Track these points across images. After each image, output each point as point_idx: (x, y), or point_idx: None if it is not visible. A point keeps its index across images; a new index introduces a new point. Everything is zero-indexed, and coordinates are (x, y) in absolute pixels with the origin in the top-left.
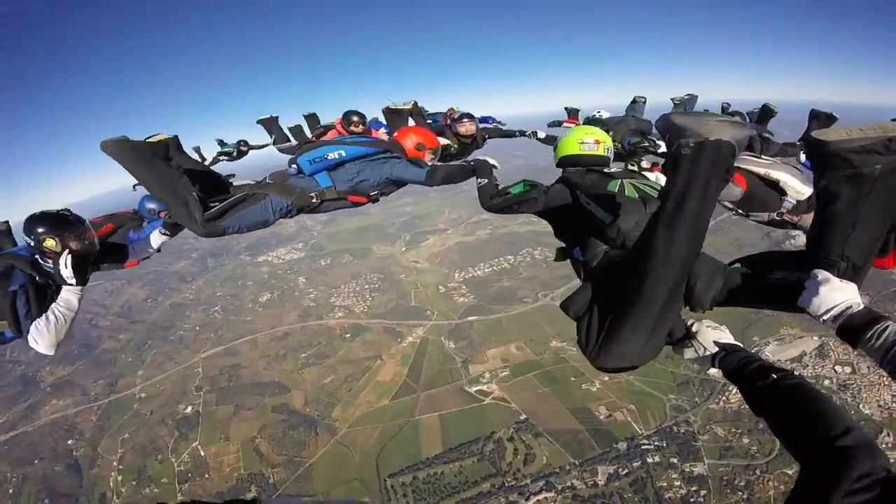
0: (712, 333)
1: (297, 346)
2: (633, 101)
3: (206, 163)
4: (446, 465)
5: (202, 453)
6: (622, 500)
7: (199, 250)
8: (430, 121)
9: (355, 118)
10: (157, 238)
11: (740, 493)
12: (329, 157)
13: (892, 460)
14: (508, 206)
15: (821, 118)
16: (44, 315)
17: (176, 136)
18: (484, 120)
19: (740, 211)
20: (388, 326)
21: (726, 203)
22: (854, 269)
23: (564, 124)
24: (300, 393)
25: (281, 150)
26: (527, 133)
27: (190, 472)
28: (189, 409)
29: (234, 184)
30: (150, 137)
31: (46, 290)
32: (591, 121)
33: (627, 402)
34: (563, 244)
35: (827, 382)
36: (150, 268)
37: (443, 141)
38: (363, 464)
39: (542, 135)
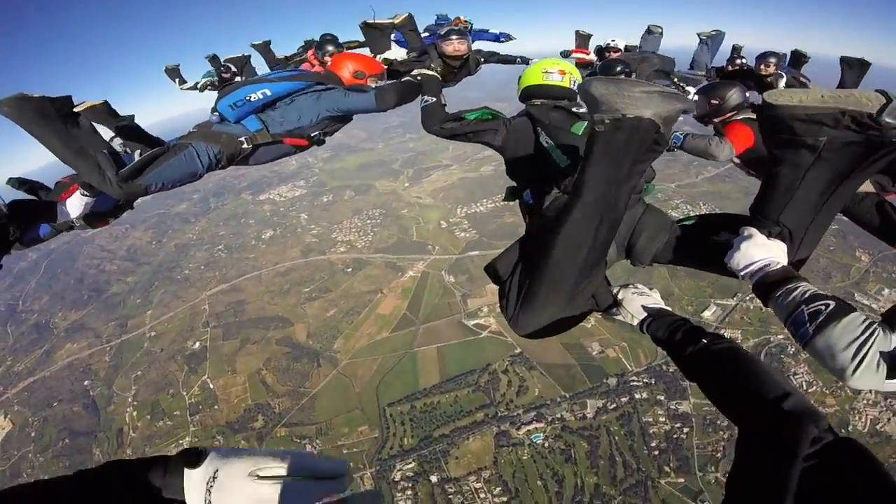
0: (639, 299)
1: (299, 281)
2: (648, 31)
3: (187, 86)
4: (442, 394)
5: (211, 386)
6: (608, 432)
7: (202, 192)
8: (426, 34)
9: (330, 48)
10: (76, 202)
11: (721, 432)
12: (252, 99)
13: (870, 417)
14: (463, 133)
15: (853, 65)
16: None
17: (105, 101)
18: (479, 35)
19: (751, 172)
20: (389, 261)
21: (734, 161)
22: (787, 237)
23: (573, 54)
24: (303, 326)
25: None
26: (529, 61)
27: (200, 404)
28: (197, 344)
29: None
30: (76, 105)
31: None
32: (606, 49)
33: (620, 340)
34: (514, 183)
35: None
36: (152, 211)
37: (398, 54)
38: (363, 393)
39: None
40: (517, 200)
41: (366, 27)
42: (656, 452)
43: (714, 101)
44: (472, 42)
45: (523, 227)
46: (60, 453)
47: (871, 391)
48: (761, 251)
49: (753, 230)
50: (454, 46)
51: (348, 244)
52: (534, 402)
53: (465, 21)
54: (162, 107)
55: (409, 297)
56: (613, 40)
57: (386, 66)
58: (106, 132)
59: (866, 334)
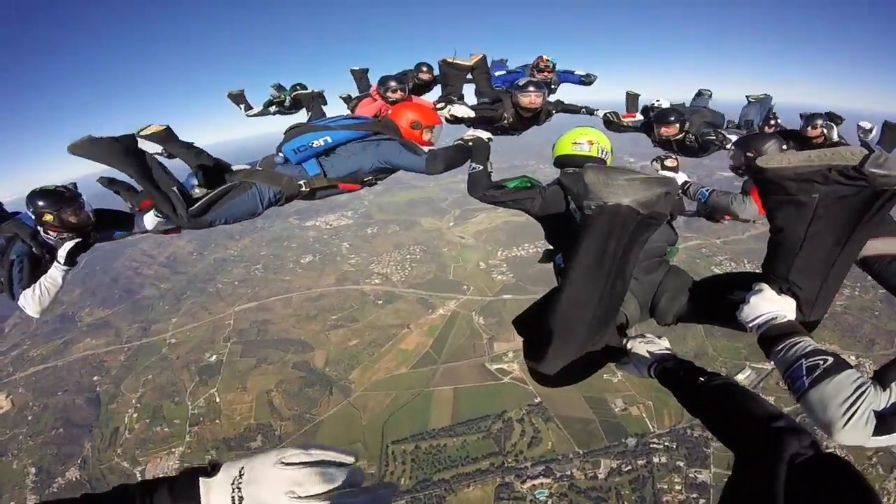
0: (645, 347)
1: (328, 308)
2: (699, 94)
3: (252, 112)
4: (451, 438)
5: (217, 400)
6: (619, 496)
7: None
8: (499, 73)
9: (393, 84)
10: (150, 219)
11: None
12: (314, 145)
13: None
14: (502, 201)
15: (891, 130)
16: (31, 286)
17: (167, 127)
18: (565, 77)
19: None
20: (421, 297)
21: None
22: (796, 294)
23: (624, 120)
24: (323, 352)
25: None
26: (594, 111)
27: (202, 416)
28: (214, 357)
29: (233, 169)
30: (141, 130)
31: (41, 261)
32: (651, 109)
33: (646, 398)
34: (551, 247)
35: None
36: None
37: (464, 112)
38: (369, 427)
39: (601, 113)
40: (551, 262)
41: (444, 65)
42: None
43: (749, 154)
44: (560, 82)
45: None
46: (51, 441)
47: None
48: (769, 305)
49: (764, 286)
50: (530, 99)
51: (384, 276)
52: (545, 455)
53: (548, 60)
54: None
55: (436, 335)
56: (658, 101)
57: (450, 120)
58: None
59: (858, 391)
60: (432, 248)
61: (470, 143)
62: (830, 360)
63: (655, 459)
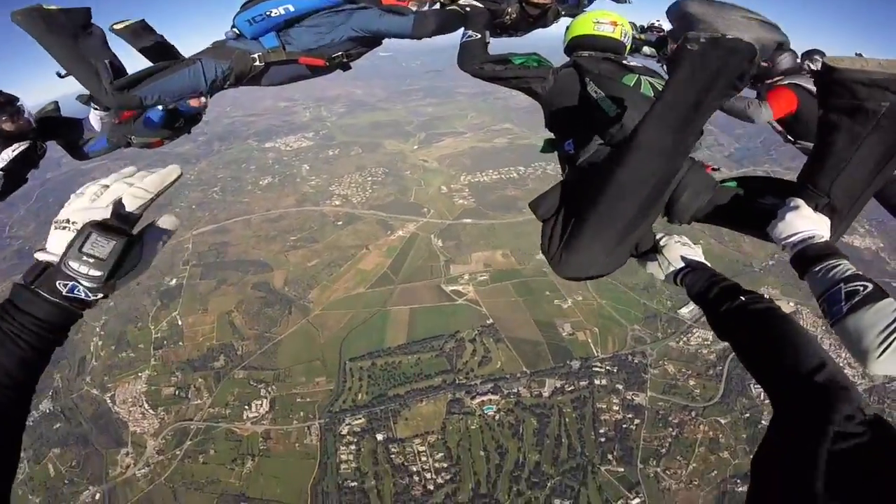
0: (681, 249)
1: (288, 229)
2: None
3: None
4: (405, 356)
5: (180, 323)
6: (560, 413)
7: (207, 134)
8: None
9: None
10: (94, 116)
11: (671, 429)
12: (273, 15)
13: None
14: (506, 77)
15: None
16: None
17: (142, 20)
18: None
19: (788, 135)
20: (381, 218)
21: (772, 125)
22: (832, 209)
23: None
24: (282, 273)
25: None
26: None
27: (166, 339)
28: (174, 281)
29: None
30: (115, 24)
31: None
32: (650, 28)
33: (592, 324)
34: (552, 135)
35: None
36: (154, 150)
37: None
38: (327, 345)
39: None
40: (555, 151)
41: None
42: (602, 440)
43: (764, 63)
44: None
45: (523, 201)
46: None
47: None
48: (806, 223)
49: (800, 201)
50: None
51: (344, 198)
52: (494, 374)
53: None
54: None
55: (394, 256)
56: (658, 20)
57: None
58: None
59: None
60: (395, 170)
61: (467, 9)
62: (871, 286)
63: (597, 381)
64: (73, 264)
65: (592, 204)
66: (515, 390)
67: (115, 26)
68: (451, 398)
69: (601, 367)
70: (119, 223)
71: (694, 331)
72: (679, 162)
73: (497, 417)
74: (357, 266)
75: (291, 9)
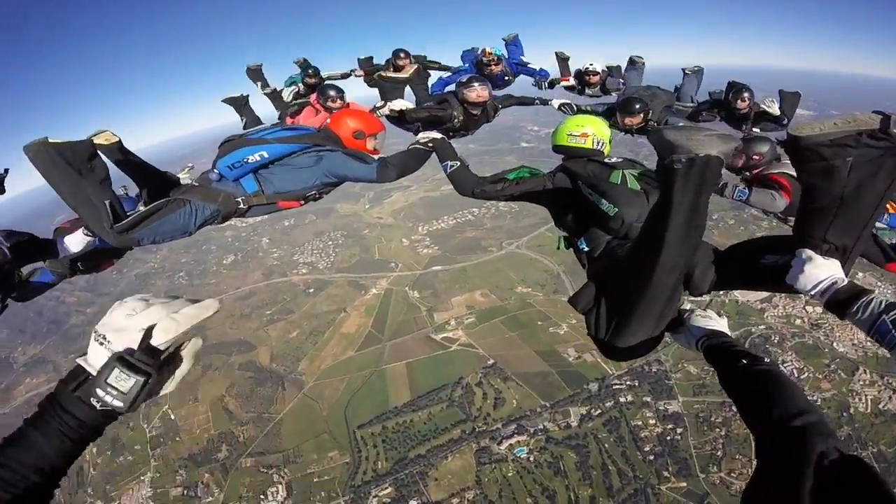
0: (701, 321)
1: (261, 304)
2: (632, 63)
3: (270, 90)
4: (415, 412)
5: (172, 416)
6: (597, 440)
7: None
8: (443, 76)
9: (332, 92)
10: (77, 239)
11: (718, 429)
12: (250, 161)
13: (870, 397)
14: (510, 194)
15: (787, 98)
16: None
17: (119, 140)
18: (520, 69)
19: (780, 216)
20: (351, 280)
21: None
22: (837, 250)
23: (561, 83)
24: (266, 349)
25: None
26: (548, 102)
27: (162, 436)
28: None
29: (182, 184)
30: (95, 134)
31: None
32: (585, 73)
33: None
34: (564, 233)
35: (798, 322)
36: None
37: (402, 105)
38: (331, 416)
39: (556, 104)
40: (571, 248)
41: (380, 79)
42: (651, 457)
43: (755, 157)
44: (515, 74)
45: (486, 241)
46: None
47: (866, 371)
48: (824, 271)
49: (809, 252)
50: (477, 93)
51: (310, 265)
52: (512, 414)
53: (492, 53)
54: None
55: (374, 314)
56: (591, 64)
57: (395, 115)
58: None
59: None
60: (353, 231)
61: (429, 145)
62: None
63: (622, 399)
64: (100, 392)
65: (632, 297)
66: (541, 426)
67: (94, 139)
68: (477, 447)
69: (621, 384)
70: (144, 358)
71: None
72: (694, 249)
73: (531, 458)
74: (340, 330)
75: (266, 155)
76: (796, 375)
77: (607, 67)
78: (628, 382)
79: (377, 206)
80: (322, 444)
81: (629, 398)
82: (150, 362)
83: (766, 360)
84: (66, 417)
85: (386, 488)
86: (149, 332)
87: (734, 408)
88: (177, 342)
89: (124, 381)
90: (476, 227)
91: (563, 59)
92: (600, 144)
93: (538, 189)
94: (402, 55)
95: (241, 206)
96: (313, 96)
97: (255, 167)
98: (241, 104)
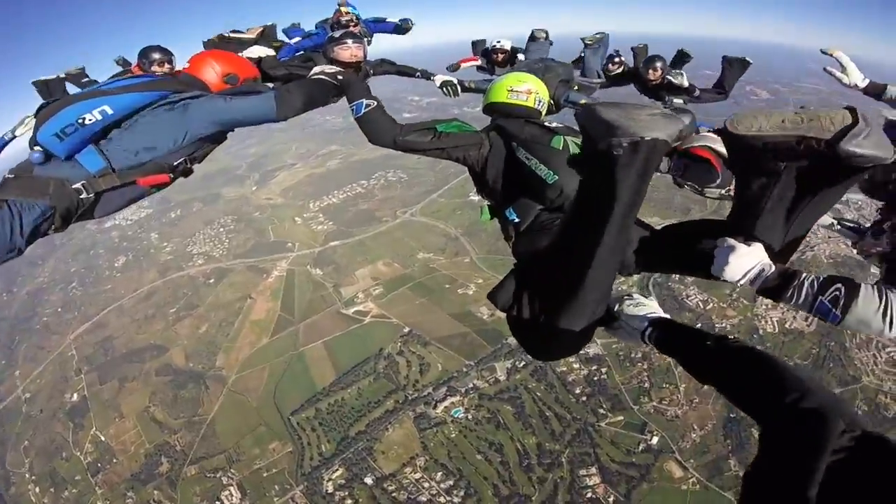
0: (636, 310)
1: (163, 303)
2: (532, 38)
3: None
4: (344, 390)
5: (103, 438)
6: (528, 390)
7: None
8: (295, 39)
9: (156, 55)
10: None
11: (640, 364)
12: (88, 122)
13: (775, 319)
14: (438, 147)
15: (734, 64)
16: None
17: None
18: (375, 27)
19: (697, 187)
20: (251, 264)
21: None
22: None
23: (462, 65)
24: (179, 349)
25: None
26: (432, 76)
27: (98, 461)
28: (75, 396)
29: None
30: None
31: None
32: (493, 50)
33: None
34: (487, 201)
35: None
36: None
37: (261, 51)
38: (262, 407)
39: (438, 80)
40: (496, 217)
41: (219, 40)
42: (584, 398)
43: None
44: (371, 34)
45: (380, 211)
46: None
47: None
48: (748, 259)
49: (731, 241)
50: (351, 52)
51: (205, 255)
52: (440, 377)
53: (348, 12)
54: None
55: (280, 297)
56: (499, 41)
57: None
58: None
59: (883, 299)
60: (243, 215)
61: (339, 77)
62: (842, 286)
63: None
64: None
65: (568, 286)
66: (471, 385)
67: None
68: (415, 415)
69: None
70: None
71: None
72: (630, 233)
73: (470, 417)
74: (249, 318)
75: (109, 111)
76: (702, 307)
77: (513, 47)
78: None
79: (264, 186)
80: (260, 437)
81: None
82: None
83: (730, 337)
84: None
85: (336, 470)
86: None
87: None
88: None
89: None
90: (367, 198)
91: (477, 42)
92: (540, 104)
93: (471, 147)
94: (156, 56)
95: (84, 193)
96: (134, 64)
97: (94, 131)
98: (57, 88)
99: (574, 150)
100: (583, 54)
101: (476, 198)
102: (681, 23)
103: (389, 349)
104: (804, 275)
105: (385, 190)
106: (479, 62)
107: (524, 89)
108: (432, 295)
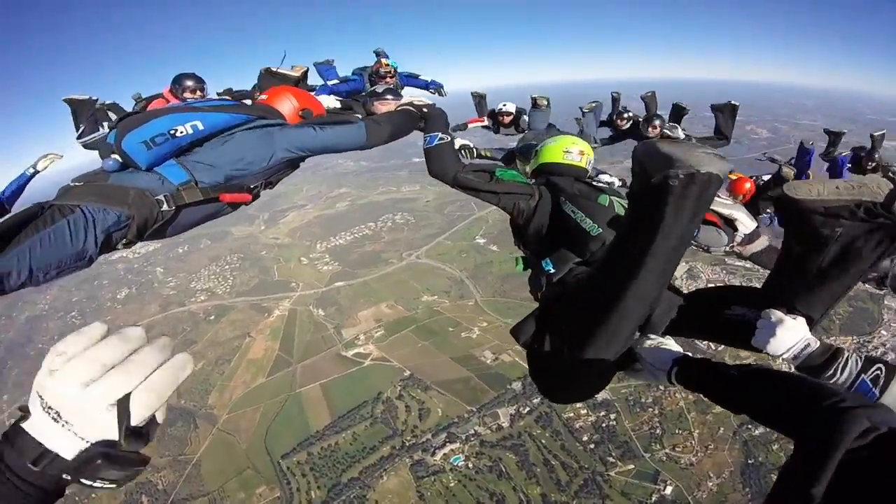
0: (656, 352)
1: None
2: (535, 105)
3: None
4: (338, 434)
5: None
6: (532, 437)
7: None
8: (332, 81)
9: (190, 83)
10: None
11: (650, 409)
12: (178, 134)
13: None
14: (493, 190)
15: (723, 110)
16: None
17: None
18: (408, 81)
19: (703, 245)
20: (253, 303)
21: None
22: (810, 321)
23: (470, 125)
24: None
25: (87, 146)
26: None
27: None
28: None
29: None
30: None
31: None
32: (499, 113)
33: (511, 343)
34: (524, 252)
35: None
36: None
37: (329, 102)
38: (251, 449)
39: (457, 143)
40: (529, 269)
41: (267, 74)
42: (592, 446)
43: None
44: (403, 86)
45: (386, 253)
46: None
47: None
48: (793, 334)
49: (779, 314)
50: (388, 106)
51: (208, 292)
52: (440, 423)
53: (388, 64)
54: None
55: (280, 337)
56: (504, 105)
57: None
58: None
59: None
60: (250, 253)
61: (424, 109)
62: (882, 366)
63: None
64: (87, 482)
65: (594, 326)
66: (472, 431)
67: None
68: (412, 462)
69: None
70: (132, 447)
71: None
72: (668, 280)
73: (470, 465)
74: (246, 357)
75: (200, 126)
76: (713, 347)
77: (518, 108)
78: None
79: (273, 226)
80: (247, 480)
81: None
82: (140, 453)
83: (751, 364)
84: (24, 486)
85: None
86: (126, 416)
87: (660, 387)
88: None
89: (115, 473)
90: (374, 240)
91: (479, 96)
92: (590, 166)
93: (522, 196)
94: (189, 83)
95: (165, 206)
96: (165, 89)
97: (181, 144)
98: (86, 108)
99: (619, 208)
100: (578, 119)
101: (482, 240)
102: (680, 68)
103: (388, 393)
104: (847, 354)
105: (392, 232)
106: (485, 122)
107: (577, 150)
108: (435, 338)
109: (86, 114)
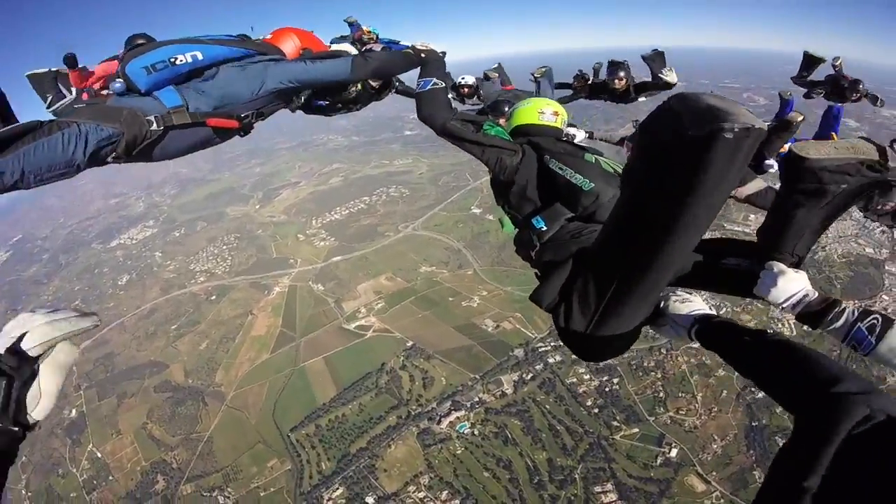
0: (683, 307)
1: (165, 320)
2: (486, 77)
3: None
4: (345, 406)
5: (99, 455)
6: (536, 403)
7: (50, 250)
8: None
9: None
10: None
11: (653, 373)
12: (178, 62)
13: (791, 321)
14: (478, 142)
15: (655, 59)
16: None
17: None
18: (392, 46)
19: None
20: (252, 281)
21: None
22: (799, 263)
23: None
24: (178, 366)
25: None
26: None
27: (94, 478)
28: (73, 412)
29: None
30: None
31: None
32: (460, 86)
33: (512, 311)
34: (507, 212)
35: None
36: (3, 279)
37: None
38: (261, 424)
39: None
40: (518, 228)
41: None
42: (596, 410)
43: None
44: None
45: (382, 226)
46: None
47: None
48: (795, 284)
49: (780, 265)
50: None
51: (207, 273)
52: (444, 391)
53: (369, 31)
54: None
55: (282, 313)
56: (463, 78)
57: None
58: None
59: None
60: (246, 233)
61: (422, 54)
62: (880, 315)
63: (551, 360)
64: None
65: (634, 277)
66: (477, 399)
67: None
68: (418, 430)
69: (546, 346)
70: (5, 358)
71: None
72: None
73: (476, 432)
74: (250, 334)
75: (200, 56)
76: (715, 312)
77: (485, 74)
78: (553, 343)
79: (267, 205)
80: (258, 454)
81: (558, 358)
82: (13, 363)
83: (768, 331)
84: None
85: (337, 489)
86: (17, 340)
87: (663, 350)
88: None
89: None
90: (370, 214)
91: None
92: (565, 125)
93: (506, 152)
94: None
95: (155, 125)
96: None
97: (180, 72)
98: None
99: (608, 167)
100: (533, 81)
101: (478, 210)
102: (677, 36)
103: (392, 363)
104: (843, 303)
105: (387, 205)
106: (450, 95)
107: (551, 111)
108: (435, 308)
109: (48, 84)
